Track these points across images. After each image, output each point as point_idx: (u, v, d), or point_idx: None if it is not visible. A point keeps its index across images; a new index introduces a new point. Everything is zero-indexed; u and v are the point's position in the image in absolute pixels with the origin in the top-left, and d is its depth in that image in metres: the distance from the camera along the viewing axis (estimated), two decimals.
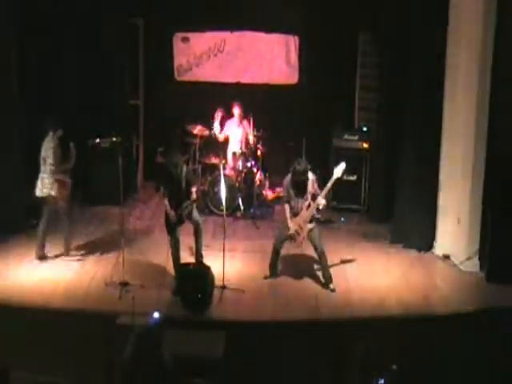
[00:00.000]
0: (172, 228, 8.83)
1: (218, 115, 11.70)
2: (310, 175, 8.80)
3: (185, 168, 8.96)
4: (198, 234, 9.01)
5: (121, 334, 7.49)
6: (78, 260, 9.44)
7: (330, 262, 8.98)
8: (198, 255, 9.03)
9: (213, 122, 11.68)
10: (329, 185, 8.79)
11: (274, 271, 9.11)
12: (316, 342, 7.96)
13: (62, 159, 9.35)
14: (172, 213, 8.78)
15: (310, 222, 8.82)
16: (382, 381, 6.90)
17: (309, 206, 8.74)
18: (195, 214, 8.99)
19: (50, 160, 9.23)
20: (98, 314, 8.12)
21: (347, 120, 12.17)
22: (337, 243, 10.18)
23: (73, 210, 9.96)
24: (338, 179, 8.91)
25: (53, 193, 9.25)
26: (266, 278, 9.07)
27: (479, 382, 7.96)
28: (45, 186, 9.25)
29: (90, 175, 11.55)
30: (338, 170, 8.82)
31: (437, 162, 9.82)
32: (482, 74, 8.99)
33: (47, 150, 9.26)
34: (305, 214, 8.75)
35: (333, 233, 10.66)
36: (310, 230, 8.81)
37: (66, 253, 9.55)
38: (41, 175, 9.28)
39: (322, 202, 8.70)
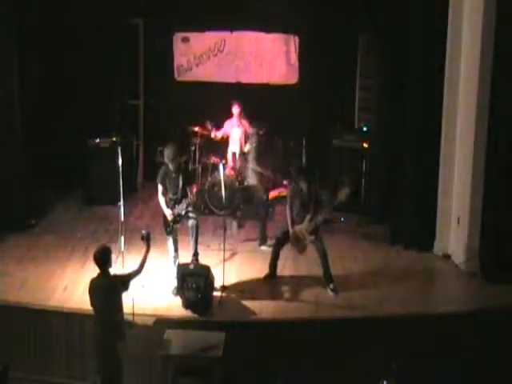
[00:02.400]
0: (170, 228, 8.82)
1: (208, 127, 11.61)
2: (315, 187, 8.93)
3: (182, 166, 8.94)
4: (194, 233, 8.99)
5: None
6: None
7: (330, 262, 8.97)
8: (194, 254, 9.02)
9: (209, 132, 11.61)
10: (330, 205, 8.91)
11: (273, 271, 9.10)
12: (316, 342, 7.97)
13: (261, 153, 10.36)
14: (168, 212, 8.77)
15: (311, 233, 8.81)
16: (385, 382, 6.91)
17: (311, 218, 8.77)
18: (192, 213, 8.97)
19: (252, 154, 10.41)
20: None
21: (347, 120, 12.16)
22: (337, 243, 10.17)
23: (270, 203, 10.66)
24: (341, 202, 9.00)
25: (251, 182, 10.46)
26: (265, 278, 9.06)
27: (479, 381, 7.98)
28: (248, 177, 10.50)
29: (90, 175, 11.54)
30: (342, 195, 8.85)
31: (437, 161, 9.81)
32: (482, 75, 8.98)
33: (250, 145, 10.51)
34: (306, 225, 8.78)
35: (333, 233, 10.65)
36: (312, 241, 8.83)
37: (262, 242, 10.05)
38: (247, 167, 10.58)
39: (321, 219, 8.77)
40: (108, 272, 6.94)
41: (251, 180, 10.52)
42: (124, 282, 7.01)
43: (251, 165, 10.45)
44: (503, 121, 8.97)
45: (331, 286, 8.80)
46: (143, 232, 7.45)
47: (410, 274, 9.35)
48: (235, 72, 12.61)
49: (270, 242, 9.73)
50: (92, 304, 6.97)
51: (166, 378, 7.40)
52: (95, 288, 6.93)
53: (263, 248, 9.92)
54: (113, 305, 6.88)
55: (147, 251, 7.31)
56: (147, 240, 7.35)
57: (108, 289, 6.88)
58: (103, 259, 6.89)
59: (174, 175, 8.82)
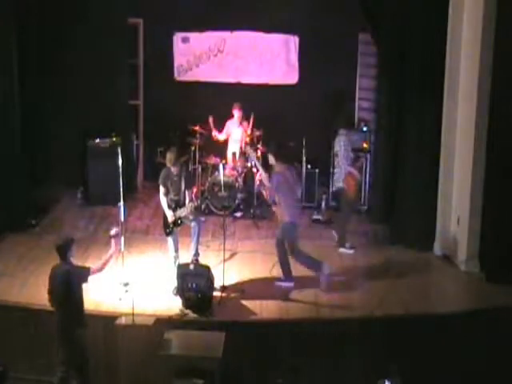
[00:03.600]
0: (169, 229, 8.82)
1: (210, 122, 11.58)
2: None
3: (184, 168, 8.94)
4: (195, 234, 8.99)
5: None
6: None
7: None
8: (195, 254, 9.02)
9: (210, 130, 11.59)
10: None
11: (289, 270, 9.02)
12: (316, 342, 7.97)
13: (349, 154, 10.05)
14: (170, 214, 8.77)
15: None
16: (387, 382, 6.91)
17: None
18: (193, 214, 8.96)
19: (340, 153, 10.00)
20: (98, 314, 8.12)
21: (347, 120, 12.15)
22: (337, 243, 10.18)
23: (353, 203, 10.32)
24: None
25: (340, 185, 9.98)
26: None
27: (479, 381, 7.98)
28: (337, 180, 10.07)
29: (90, 175, 11.54)
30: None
31: (437, 161, 9.82)
32: (482, 75, 8.98)
33: (337, 145, 10.06)
34: None
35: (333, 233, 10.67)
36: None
37: (340, 243, 9.98)
38: (335, 170, 10.27)
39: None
40: (69, 261, 7.17)
41: (338, 182, 10.10)
42: (83, 273, 7.18)
43: (342, 165, 9.98)
44: (503, 121, 8.97)
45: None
46: (114, 230, 7.55)
47: (410, 275, 9.35)
48: (235, 72, 12.62)
49: (348, 244, 9.93)
50: (49, 291, 7.24)
51: (166, 378, 7.39)
52: (55, 275, 7.18)
53: (342, 250, 9.84)
54: (71, 293, 7.09)
55: (113, 250, 7.47)
56: (115, 239, 7.46)
57: (67, 277, 7.08)
58: (64, 248, 7.11)
59: (175, 178, 8.83)
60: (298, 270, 9.31)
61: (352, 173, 9.97)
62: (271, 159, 8.95)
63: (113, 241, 7.51)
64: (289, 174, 8.89)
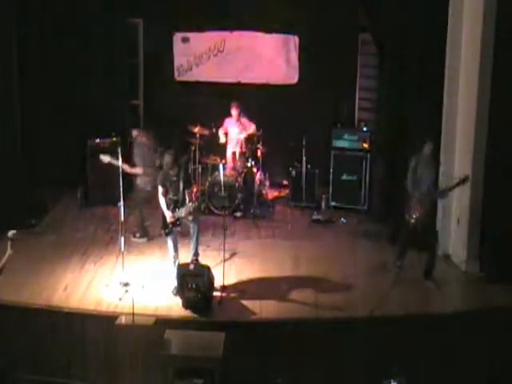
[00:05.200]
0: (168, 229, 8.82)
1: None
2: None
3: (183, 169, 8.94)
4: (195, 234, 8.99)
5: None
6: None
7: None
8: (194, 254, 9.02)
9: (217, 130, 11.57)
10: None
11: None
12: (316, 342, 7.97)
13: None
14: (169, 214, 8.76)
15: None
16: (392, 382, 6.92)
17: None
18: (192, 215, 8.96)
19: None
20: (98, 314, 8.13)
21: (347, 120, 12.16)
22: (337, 243, 10.18)
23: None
24: None
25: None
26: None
27: (479, 381, 7.98)
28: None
29: (90, 175, 11.53)
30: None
31: (436, 161, 9.81)
32: (482, 75, 8.98)
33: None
34: None
35: (333, 233, 10.67)
36: None
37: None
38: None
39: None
40: None
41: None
42: None
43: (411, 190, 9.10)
44: (503, 121, 8.97)
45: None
46: (11, 232, 7.28)
47: (410, 275, 9.34)
48: (235, 72, 12.61)
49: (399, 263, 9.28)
50: None
51: (166, 378, 7.40)
52: None
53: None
54: None
55: (10, 253, 7.20)
56: (12, 242, 7.21)
57: None
58: None
59: (174, 179, 8.82)
60: (299, 270, 9.32)
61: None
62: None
63: (9, 243, 7.19)
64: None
